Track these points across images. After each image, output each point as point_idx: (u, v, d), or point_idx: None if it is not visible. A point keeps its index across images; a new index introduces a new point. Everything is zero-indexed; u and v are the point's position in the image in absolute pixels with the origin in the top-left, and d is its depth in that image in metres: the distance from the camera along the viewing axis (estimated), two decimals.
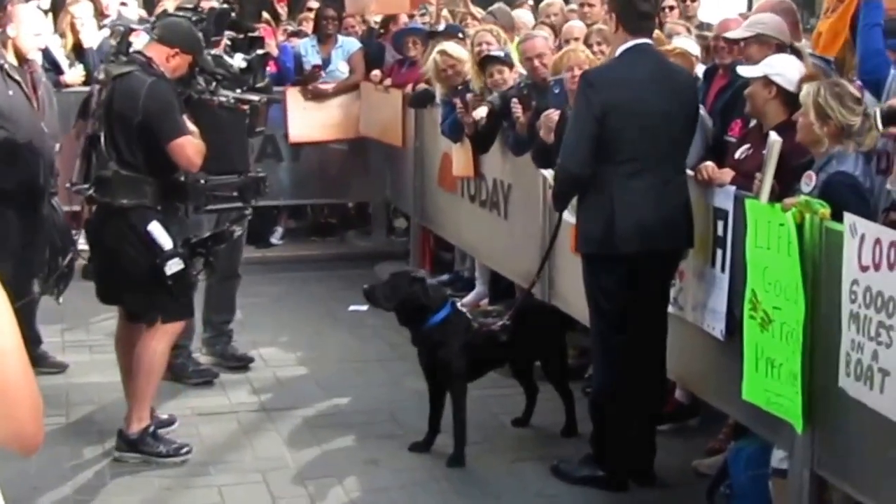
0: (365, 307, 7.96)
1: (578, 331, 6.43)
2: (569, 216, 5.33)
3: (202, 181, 5.44)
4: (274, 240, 9.94)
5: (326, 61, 9.72)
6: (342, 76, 9.65)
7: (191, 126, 5.36)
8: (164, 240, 5.23)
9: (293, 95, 9.57)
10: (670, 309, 5.22)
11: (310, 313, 8.07)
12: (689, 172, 5.05)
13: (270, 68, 8.42)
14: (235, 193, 5.64)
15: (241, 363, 6.84)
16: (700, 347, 5.08)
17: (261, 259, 9.42)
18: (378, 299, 5.49)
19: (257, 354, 7.01)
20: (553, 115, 5.99)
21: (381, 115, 9.36)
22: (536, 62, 6.71)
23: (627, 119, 4.79)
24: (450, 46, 7.59)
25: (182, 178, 5.35)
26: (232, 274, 6.79)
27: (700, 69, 6.12)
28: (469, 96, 7.18)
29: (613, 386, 5.00)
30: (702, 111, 5.26)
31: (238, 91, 5.88)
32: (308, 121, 9.62)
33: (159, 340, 5.35)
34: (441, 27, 8.58)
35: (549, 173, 5.35)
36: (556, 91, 6.18)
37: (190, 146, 5.25)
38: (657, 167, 4.86)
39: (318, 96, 9.54)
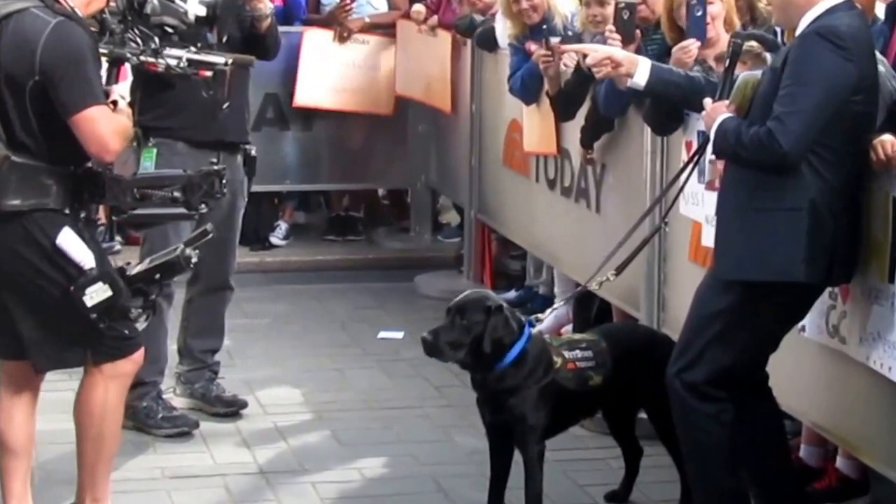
0: (400, 334, 8.03)
1: None
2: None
3: (131, 175, 5.19)
4: (275, 239, 10.03)
5: None
6: (376, 13, 9.75)
7: (118, 93, 5.20)
8: (82, 255, 5.04)
9: (311, 39, 9.61)
10: (827, 341, 5.22)
11: (324, 341, 8.09)
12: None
13: (276, 1, 8.48)
14: (177, 194, 5.29)
15: (230, 408, 6.87)
16: (871, 396, 5.05)
17: (257, 265, 9.47)
18: (445, 351, 5.40)
19: (251, 397, 7.04)
20: (692, 46, 6.02)
21: (424, 67, 9.40)
22: None
23: (871, 105, 4.90)
24: None
25: (98, 168, 5.13)
26: (221, 285, 6.82)
27: (881, 7, 6.10)
28: (555, 41, 7.19)
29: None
30: (881, 65, 5.24)
31: (192, 50, 5.74)
32: (323, 79, 9.69)
33: (107, 387, 5.20)
34: None
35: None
36: (698, 13, 6.16)
37: (105, 121, 5.00)
38: (857, 169, 4.96)
39: (345, 40, 9.59)
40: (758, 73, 5.08)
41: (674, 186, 5.83)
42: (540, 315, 5.68)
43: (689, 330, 5.15)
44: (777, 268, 4.89)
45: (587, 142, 7.14)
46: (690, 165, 5.66)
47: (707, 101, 5.12)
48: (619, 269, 5.70)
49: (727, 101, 5.04)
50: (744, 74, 5.10)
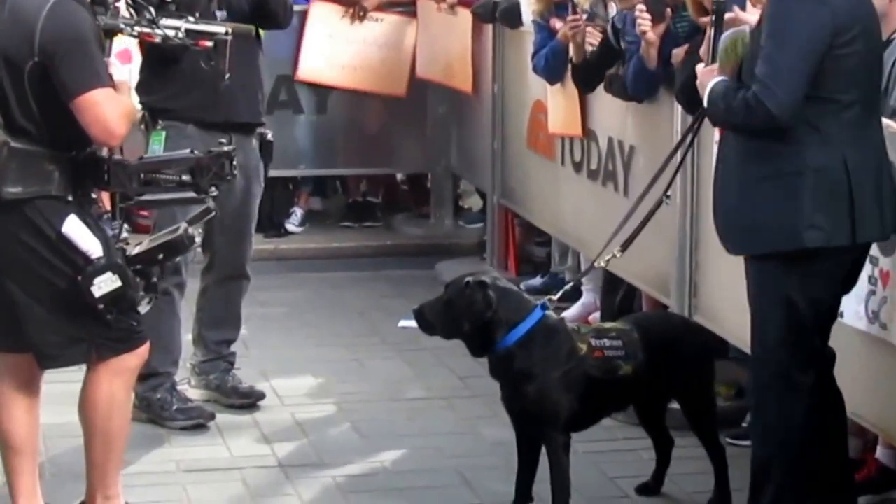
0: None
1: (733, 359, 6.30)
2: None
3: (137, 159, 5.14)
4: (291, 226, 10.02)
5: None
6: None
7: (117, 71, 5.12)
8: (90, 243, 4.99)
9: (319, 11, 9.58)
10: (867, 328, 5.17)
11: (343, 330, 8.08)
12: (888, 122, 4.99)
13: None
14: (186, 177, 5.21)
15: (247, 400, 6.86)
16: None
17: (273, 253, 9.47)
18: (432, 324, 5.49)
19: (268, 388, 7.03)
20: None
21: (445, 47, 9.37)
22: None
23: (866, 44, 4.78)
24: None
25: (101, 153, 5.08)
26: (236, 274, 6.79)
27: None
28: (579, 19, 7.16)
29: (792, 444, 4.95)
30: None
31: (190, 19, 5.69)
32: (330, 54, 9.63)
33: (112, 383, 5.17)
34: None
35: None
36: None
37: (109, 104, 4.93)
38: (875, 114, 4.84)
39: (358, 15, 9.56)
40: (745, 28, 4.97)
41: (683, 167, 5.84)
42: (552, 296, 5.64)
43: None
44: (785, 236, 4.77)
45: (609, 91, 7.10)
46: (690, 135, 5.61)
47: (699, 66, 5.05)
48: (625, 246, 5.67)
49: (716, 65, 4.96)
50: (728, 33, 4.98)
